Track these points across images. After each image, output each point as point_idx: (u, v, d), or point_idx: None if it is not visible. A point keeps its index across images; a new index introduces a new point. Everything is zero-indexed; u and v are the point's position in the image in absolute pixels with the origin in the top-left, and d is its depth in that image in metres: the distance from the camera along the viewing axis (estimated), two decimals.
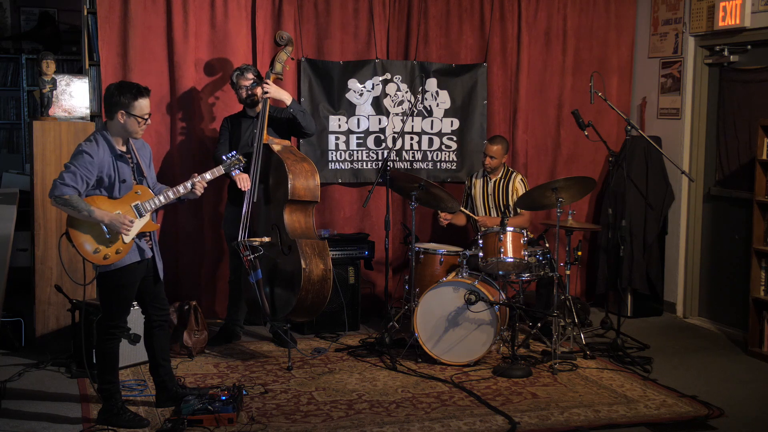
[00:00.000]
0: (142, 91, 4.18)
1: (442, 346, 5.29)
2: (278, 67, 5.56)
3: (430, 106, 6.71)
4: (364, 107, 6.55)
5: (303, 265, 5.08)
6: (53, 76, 5.68)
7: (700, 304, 6.71)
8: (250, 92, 5.61)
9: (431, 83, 6.68)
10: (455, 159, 6.79)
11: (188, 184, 4.32)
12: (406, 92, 6.62)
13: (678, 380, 5.11)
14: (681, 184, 6.71)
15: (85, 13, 5.98)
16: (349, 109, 6.53)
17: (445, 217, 6.07)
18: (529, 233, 5.62)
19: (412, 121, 6.64)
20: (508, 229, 5.45)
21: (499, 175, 6.16)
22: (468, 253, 5.52)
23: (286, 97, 5.53)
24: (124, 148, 4.23)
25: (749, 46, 6.16)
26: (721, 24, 6.18)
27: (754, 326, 5.70)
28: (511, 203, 6.08)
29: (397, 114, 6.62)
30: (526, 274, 5.57)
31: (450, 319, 5.28)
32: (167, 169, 6.05)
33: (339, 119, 6.50)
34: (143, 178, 4.29)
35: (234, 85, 5.68)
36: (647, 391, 4.89)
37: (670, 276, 6.84)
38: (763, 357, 5.59)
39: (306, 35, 6.38)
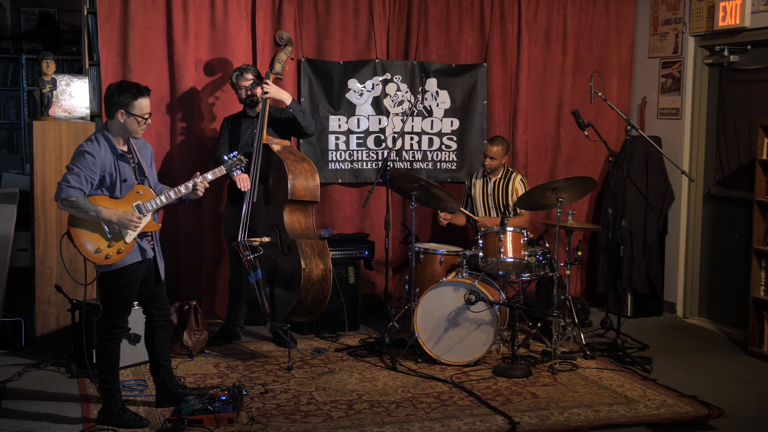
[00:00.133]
0: (141, 91, 4.18)
1: (442, 346, 5.29)
2: (278, 67, 5.56)
3: (430, 106, 6.71)
4: (364, 107, 6.55)
5: (303, 265, 5.08)
6: (53, 76, 5.68)
7: (700, 304, 6.71)
8: (249, 92, 5.61)
9: (431, 83, 6.68)
10: (455, 159, 6.79)
11: (190, 184, 4.32)
12: (406, 92, 6.62)
13: (678, 380, 5.11)
14: (681, 184, 6.71)
15: (85, 13, 5.98)
16: (349, 109, 6.53)
17: (444, 217, 6.07)
18: (529, 233, 5.62)
19: (412, 121, 6.64)
20: (508, 229, 5.45)
21: (499, 176, 6.16)
22: (468, 253, 5.52)
23: (286, 97, 5.53)
24: (125, 148, 4.23)
25: (749, 46, 6.16)
26: (721, 24, 6.18)
27: (754, 326, 5.70)
28: (510, 203, 6.08)
29: (397, 114, 6.62)
30: (526, 274, 5.57)
31: (450, 319, 5.28)
32: (167, 169, 6.05)
33: (339, 119, 6.50)
34: (144, 177, 4.29)
35: (234, 85, 5.68)
36: (647, 391, 4.89)
37: (670, 276, 6.84)
38: (763, 357, 5.59)
39: (306, 35, 6.38)
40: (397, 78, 6.59)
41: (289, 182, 5.21)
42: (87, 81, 5.90)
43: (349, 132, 6.54)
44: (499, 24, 6.78)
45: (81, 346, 4.83)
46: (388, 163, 6.03)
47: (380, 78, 6.54)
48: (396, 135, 6.56)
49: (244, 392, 4.65)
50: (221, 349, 5.61)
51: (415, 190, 5.54)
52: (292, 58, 5.96)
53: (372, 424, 4.33)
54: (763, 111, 5.97)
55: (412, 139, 6.69)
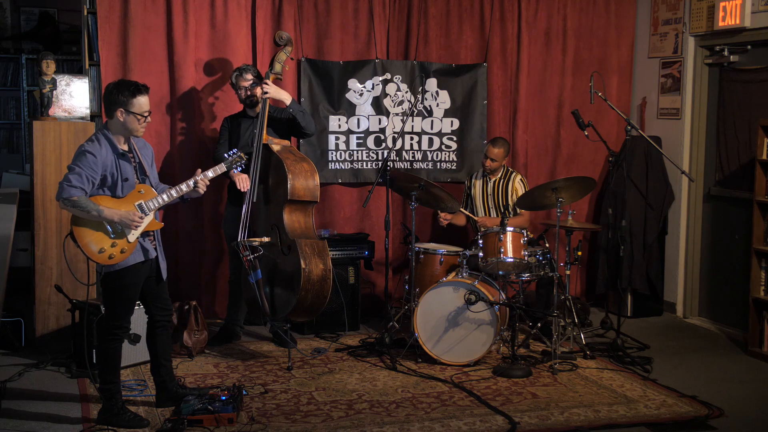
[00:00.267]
0: (140, 89, 4.18)
1: (442, 346, 5.29)
2: (278, 67, 5.56)
3: (430, 106, 6.71)
4: (364, 107, 6.55)
5: (303, 265, 5.08)
6: (53, 76, 5.68)
7: (700, 304, 6.71)
8: (249, 92, 5.62)
9: (431, 83, 6.68)
10: (455, 159, 6.78)
11: (191, 182, 4.33)
12: (406, 92, 6.62)
13: (678, 380, 5.11)
14: (681, 184, 6.71)
15: (85, 13, 5.98)
16: (349, 109, 6.53)
17: (444, 217, 6.07)
18: (529, 233, 5.62)
19: (412, 121, 6.64)
20: (508, 229, 5.45)
21: (499, 176, 6.16)
22: (468, 253, 5.52)
23: (286, 97, 5.53)
24: (125, 147, 4.23)
25: (749, 46, 6.16)
26: (721, 24, 6.18)
27: (754, 326, 5.70)
28: (510, 203, 6.08)
29: (397, 114, 6.62)
30: (526, 274, 5.57)
31: (450, 319, 5.28)
32: (167, 169, 6.04)
33: (339, 119, 6.50)
34: (146, 177, 4.29)
35: (234, 85, 5.68)
36: (647, 391, 4.89)
37: (670, 276, 6.84)
38: (763, 357, 5.59)
39: (306, 35, 6.38)
40: (397, 78, 6.59)
41: (288, 182, 5.21)
42: (87, 81, 5.90)
43: (349, 132, 6.54)
44: (499, 24, 6.78)
45: (81, 346, 4.83)
46: (388, 163, 6.03)
47: (380, 78, 6.54)
48: (396, 135, 6.56)
49: (244, 392, 4.65)
50: (221, 349, 5.61)
51: (415, 190, 5.54)
52: (292, 58, 5.95)
53: (372, 424, 4.33)
54: (763, 111, 5.97)
55: (412, 139, 6.69)
